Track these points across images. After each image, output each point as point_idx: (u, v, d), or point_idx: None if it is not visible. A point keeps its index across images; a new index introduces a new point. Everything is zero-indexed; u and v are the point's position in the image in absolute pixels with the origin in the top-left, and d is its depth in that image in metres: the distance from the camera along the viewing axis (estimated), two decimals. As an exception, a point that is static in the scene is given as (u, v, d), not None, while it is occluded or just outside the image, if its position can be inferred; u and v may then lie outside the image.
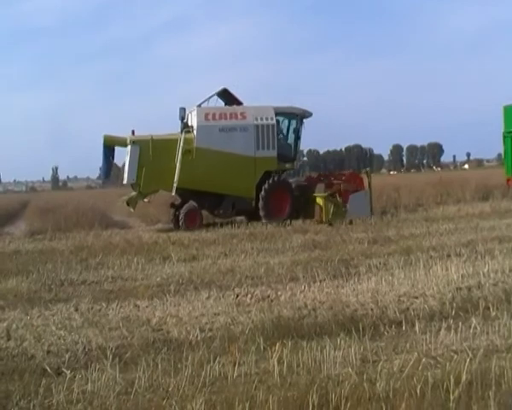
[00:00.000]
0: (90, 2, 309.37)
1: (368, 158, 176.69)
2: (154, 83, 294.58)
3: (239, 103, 27.79)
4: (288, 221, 24.69)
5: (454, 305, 9.16)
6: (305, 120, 28.03)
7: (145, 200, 26.87)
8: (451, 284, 10.68)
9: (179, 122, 26.69)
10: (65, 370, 6.97)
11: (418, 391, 5.70)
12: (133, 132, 26.73)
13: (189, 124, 26.77)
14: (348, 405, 5.53)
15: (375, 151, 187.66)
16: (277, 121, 27.29)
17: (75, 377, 6.73)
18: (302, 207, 26.45)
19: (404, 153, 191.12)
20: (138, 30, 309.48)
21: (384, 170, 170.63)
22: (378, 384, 5.96)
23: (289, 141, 28.04)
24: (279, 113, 27.41)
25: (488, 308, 8.81)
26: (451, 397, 5.52)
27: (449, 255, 13.89)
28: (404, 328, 8.22)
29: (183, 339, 8.30)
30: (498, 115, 16.55)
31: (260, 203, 26.07)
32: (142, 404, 6.02)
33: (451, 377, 5.82)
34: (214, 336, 8.33)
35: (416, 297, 9.94)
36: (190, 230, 24.06)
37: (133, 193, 26.63)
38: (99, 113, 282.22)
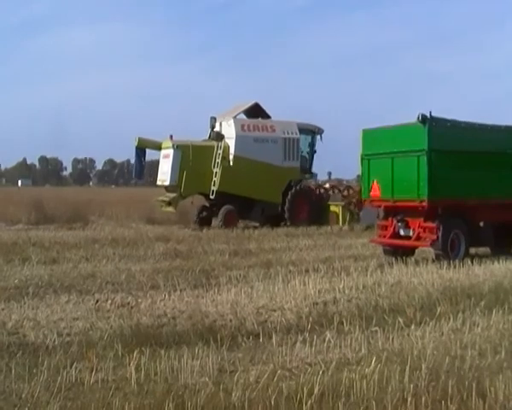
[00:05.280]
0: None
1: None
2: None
3: (267, 117, 30.36)
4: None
5: (310, 319, 9.40)
6: (321, 136, 31.29)
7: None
8: (308, 298, 10.98)
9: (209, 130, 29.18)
10: None
11: (272, 402, 5.82)
12: (171, 137, 28.75)
13: (221, 133, 28.91)
14: (204, 414, 5.60)
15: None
16: None
17: None
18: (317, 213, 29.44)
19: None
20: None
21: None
22: (234, 394, 6.04)
23: (305, 154, 31.06)
24: (299, 128, 30.32)
25: (342, 323, 9.11)
26: (304, 408, 5.70)
27: (307, 271, 14.24)
28: (261, 340, 8.37)
29: (39, 343, 8.13)
30: (358, 138, 17.34)
31: (287, 207, 28.85)
32: (-7, 411, 5.85)
33: (305, 388, 6.00)
34: (72, 341, 8.21)
35: (274, 310, 10.16)
36: (228, 228, 26.22)
37: (170, 194, 28.39)
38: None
